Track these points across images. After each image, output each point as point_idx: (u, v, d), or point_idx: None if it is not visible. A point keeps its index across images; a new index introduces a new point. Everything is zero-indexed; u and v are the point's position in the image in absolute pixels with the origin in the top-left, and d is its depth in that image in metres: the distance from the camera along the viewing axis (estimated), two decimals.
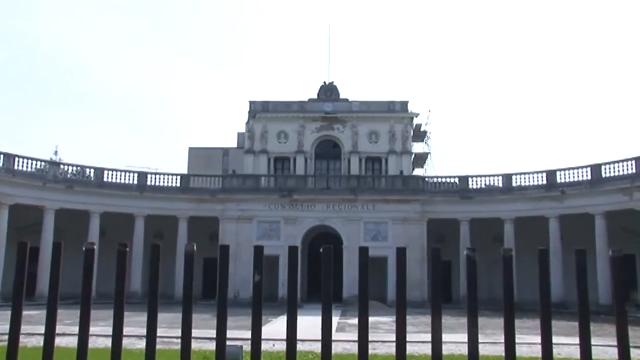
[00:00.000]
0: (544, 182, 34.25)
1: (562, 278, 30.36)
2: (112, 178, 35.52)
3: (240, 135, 48.71)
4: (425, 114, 47.53)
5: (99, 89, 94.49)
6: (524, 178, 35.22)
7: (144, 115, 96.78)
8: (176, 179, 37.20)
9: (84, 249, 3.68)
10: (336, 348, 12.27)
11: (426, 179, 38.08)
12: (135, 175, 36.59)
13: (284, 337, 3.69)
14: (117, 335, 3.71)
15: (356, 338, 3.72)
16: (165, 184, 36.83)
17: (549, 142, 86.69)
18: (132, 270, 32.58)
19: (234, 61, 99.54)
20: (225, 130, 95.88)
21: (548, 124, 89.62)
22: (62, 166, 35.41)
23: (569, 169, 33.58)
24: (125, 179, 35.91)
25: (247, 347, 8.78)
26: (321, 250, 3.75)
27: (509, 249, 3.74)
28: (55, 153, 53.30)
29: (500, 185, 35.99)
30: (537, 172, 34.86)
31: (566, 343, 12.88)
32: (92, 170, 35.59)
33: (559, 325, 16.39)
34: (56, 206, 32.57)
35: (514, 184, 35.38)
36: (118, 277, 3.72)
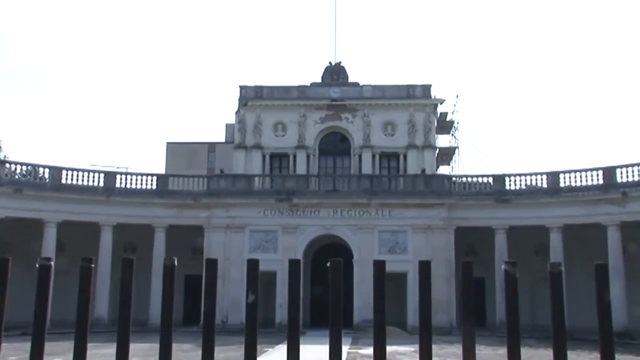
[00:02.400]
0: (601, 181, 34.03)
1: (625, 300, 30.09)
2: (72, 179, 35.56)
3: (229, 127, 48.78)
4: (451, 100, 47.49)
5: (56, 72, 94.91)
6: (575, 177, 35.04)
7: (112, 104, 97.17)
8: (152, 180, 37.30)
9: (37, 266, 3.66)
10: None
11: (453, 179, 38.03)
12: (102, 175, 36.69)
13: None
14: None
15: None
16: (139, 187, 36.93)
17: (605, 133, 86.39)
18: (97, 291, 32.65)
19: (221, 38, 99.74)
20: (211, 121, 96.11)
21: (603, 111, 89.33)
22: (8, 165, 35.38)
23: (632, 165, 33.21)
24: (88, 181, 35.99)
25: None
26: (328, 264, 3.73)
27: (558, 264, 3.70)
28: None
29: (545, 185, 35.88)
30: (592, 170, 34.60)
31: None
32: (47, 170, 35.61)
33: None
34: (1, 214, 32.62)
35: (562, 185, 35.24)
36: (81, 300, 3.70)
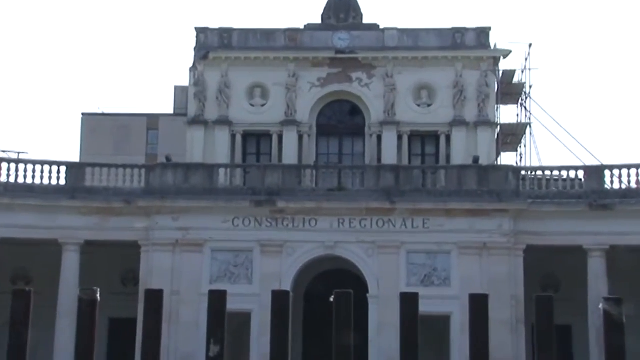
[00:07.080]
0: None
1: None
2: None
3: (179, 91, 48.77)
4: (521, 52, 47.23)
5: None
6: None
7: None
8: (58, 172, 37.20)
9: None
10: None
11: (523, 173, 38.09)
12: None
13: None
14: None
15: None
16: (38, 182, 36.84)
17: None
18: None
19: None
20: (152, 83, 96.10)
21: None
22: None
23: None
24: None
25: None
26: (331, 299, 3.73)
27: None
28: None
29: None
30: None
31: None
32: None
33: None
34: None
35: None
36: None
